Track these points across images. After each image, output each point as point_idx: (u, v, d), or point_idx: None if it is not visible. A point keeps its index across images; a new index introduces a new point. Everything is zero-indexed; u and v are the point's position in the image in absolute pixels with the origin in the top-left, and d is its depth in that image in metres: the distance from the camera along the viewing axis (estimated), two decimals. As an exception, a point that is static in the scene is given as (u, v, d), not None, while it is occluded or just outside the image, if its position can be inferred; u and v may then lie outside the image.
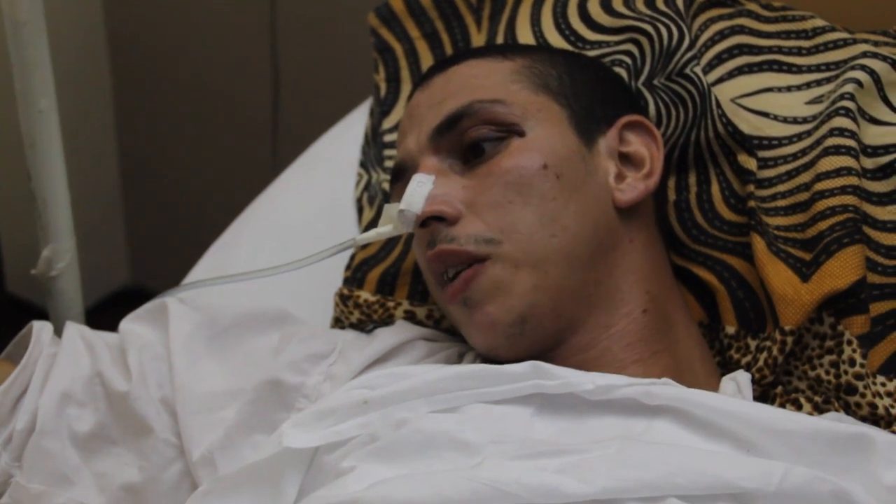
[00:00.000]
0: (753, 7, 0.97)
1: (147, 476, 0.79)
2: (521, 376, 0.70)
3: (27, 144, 0.89)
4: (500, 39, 1.03)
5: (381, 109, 1.07)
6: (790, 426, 0.67)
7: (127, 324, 0.86)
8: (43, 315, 0.91)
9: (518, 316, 0.75)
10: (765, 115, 0.90)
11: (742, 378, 0.78)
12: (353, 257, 0.97)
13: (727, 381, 0.78)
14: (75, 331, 0.85)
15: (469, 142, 0.79)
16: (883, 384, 0.78)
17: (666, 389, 0.69)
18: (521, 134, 0.78)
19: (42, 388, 0.80)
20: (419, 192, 0.78)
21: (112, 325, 0.89)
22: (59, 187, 0.91)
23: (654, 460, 0.63)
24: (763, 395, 0.81)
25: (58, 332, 0.86)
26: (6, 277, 1.55)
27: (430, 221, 0.77)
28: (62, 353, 0.82)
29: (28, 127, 0.88)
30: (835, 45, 0.92)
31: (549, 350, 0.77)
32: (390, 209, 0.80)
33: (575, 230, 0.76)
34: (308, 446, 0.69)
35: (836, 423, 0.68)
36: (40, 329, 0.84)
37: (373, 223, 0.99)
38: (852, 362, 0.77)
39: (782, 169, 0.87)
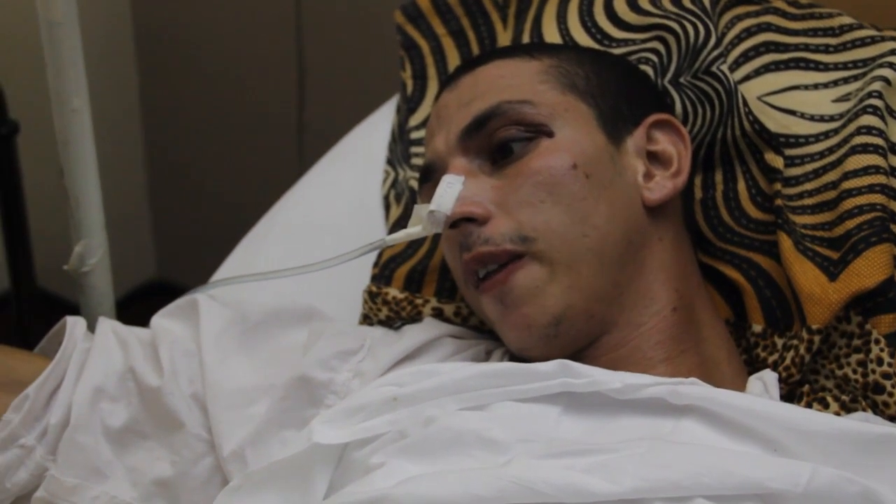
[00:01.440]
0: (780, 4, 0.96)
1: (178, 470, 0.80)
2: (549, 375, 0.70)
3: (60, 142, 0.90)
4: (526, 37, 1.03)
5: (408, 106, 1.08)
6: (817, 426, 0.67)
7: (158, 319, 0.87)
8: (72, 310, 0.92)
9: (553, 317, 0.75)
10: (792, 112, 0.89)
11: (769, 378, 0.78)
12: (380, 254, 0.97)
13: (754, 381, 0.78)
14: (108, 326, 0.86)
15: (498, 142, 0.79)
16: (910, 383, 0.78)
17: (693, 389, 0.69)
18: (550, 134, 0.79)
19: (76, 382, 0.81)
20: (449, 193, 0.78)
21: (139, 319, 0.90)
22: (92, 184, 0.92)
23: (681, 460, 0.63)
24: (790, 393, 0.81)
25: (90, 326, 0.87)
26: (36, 273, 1.57)
27: (461, 222, 0.78)
28: (95, 349, 0.83)
29: (61, 125, 0.89)
30: (862, 42, 0.91)
31: (581, 350, 0.77)
32: (420, 210, 0.80)
33: (606, 230, 0.77)
34: (337, 442, 0.69)
35: (864, 424, 0.68)
36: (74, 324, 0.85)
37: (400, 220, 1.00)
38: (880, 361, 0.77)
39: (809, 167, 0.86)
